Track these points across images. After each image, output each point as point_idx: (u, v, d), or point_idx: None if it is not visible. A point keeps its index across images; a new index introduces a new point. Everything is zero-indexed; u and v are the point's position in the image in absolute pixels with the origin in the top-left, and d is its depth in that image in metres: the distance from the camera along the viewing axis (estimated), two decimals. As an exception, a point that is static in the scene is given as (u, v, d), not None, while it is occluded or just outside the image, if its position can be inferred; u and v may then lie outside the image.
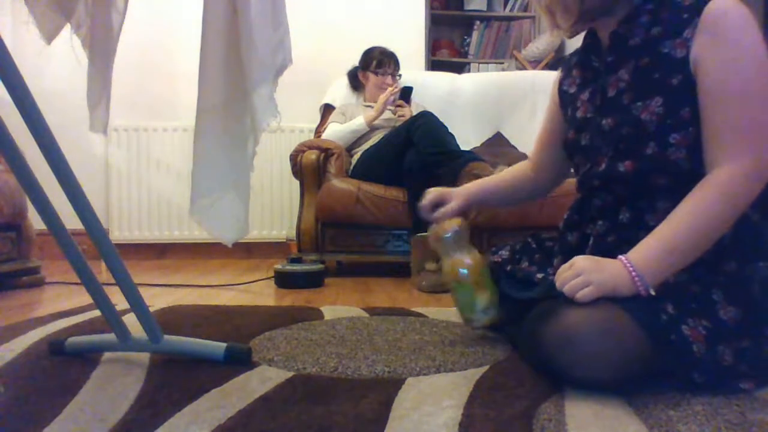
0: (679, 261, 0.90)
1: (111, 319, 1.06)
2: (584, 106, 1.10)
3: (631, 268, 0.89)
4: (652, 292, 0.88)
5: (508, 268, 1.21)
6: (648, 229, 0.93)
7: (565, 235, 1.13)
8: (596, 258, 0.93)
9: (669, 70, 0.95)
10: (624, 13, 1.02)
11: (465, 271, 1.17)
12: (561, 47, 3.59)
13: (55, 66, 2.93)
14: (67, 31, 1.12)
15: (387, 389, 0.91)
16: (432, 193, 1.27)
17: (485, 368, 1.03)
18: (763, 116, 0.90)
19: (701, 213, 0.89)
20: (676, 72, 0.95)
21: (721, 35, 0.91)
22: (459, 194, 1.26)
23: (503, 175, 1.36)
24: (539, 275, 1.14)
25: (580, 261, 0.92)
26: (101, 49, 1.09)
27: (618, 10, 1.02)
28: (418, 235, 2.16)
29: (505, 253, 1.25)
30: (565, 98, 1.19)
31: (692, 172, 0.93)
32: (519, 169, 1.35)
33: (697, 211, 0.89)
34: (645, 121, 0.96)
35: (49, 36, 1.10)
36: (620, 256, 0.91)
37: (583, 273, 0.89)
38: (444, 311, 1.57)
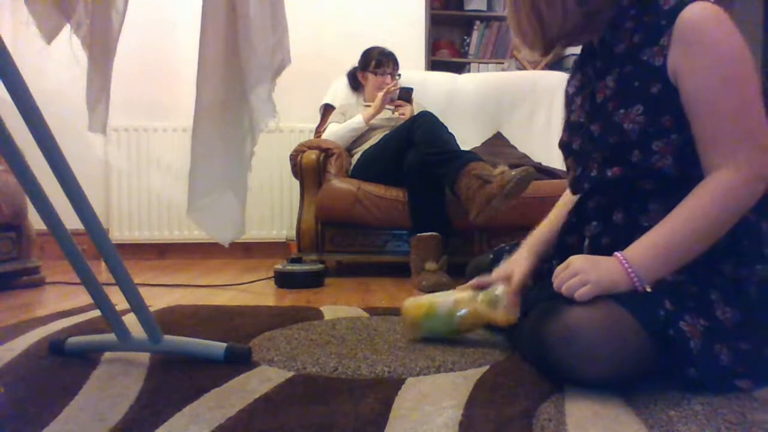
0: (676, 260, 0.90)
1: (111, 319, 1.06)
2: (578, 110, 1.11)
3: (626, 264, 0.89)
4: (648, 289, 0.88)
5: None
6: (641, 229, 0.94)
7: (563, 237, 1.14)
8: (592, 257, 0.93)
9: (648, 78, 0.95)
10: (609, 18, 1.00)
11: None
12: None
13: (55, 66, 2.93)
14: (67, 31, 1.12)
15: (387, 389, 0.91)
16: (499, 273, 1.15)
17: (485, 368, 1.03)
18: (754, 119, 0.90)
19: (700, 213, 0.89)
20: (655, 80, 0.94)
21: (696, 44, 0.90)
22: (519, 280, 1.10)
23: (556, 212, 1.22)
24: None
25: (576, 260, 0.93)
26: (101, 49, 1.09)
27: (593, 31, 1.01)
28: (419, 234, 2.16)
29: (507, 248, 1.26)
30: (566, 99, 1.19)
31: (681, 178, 0.93)
32: (565, 195, 1.23)
33: (696, 211, 0.90)
34: (627, 129, 0.96)
35: (49, 36, 1.10)
36: (616, 253, 0.92)
37: (579, 272, 0.90)
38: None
